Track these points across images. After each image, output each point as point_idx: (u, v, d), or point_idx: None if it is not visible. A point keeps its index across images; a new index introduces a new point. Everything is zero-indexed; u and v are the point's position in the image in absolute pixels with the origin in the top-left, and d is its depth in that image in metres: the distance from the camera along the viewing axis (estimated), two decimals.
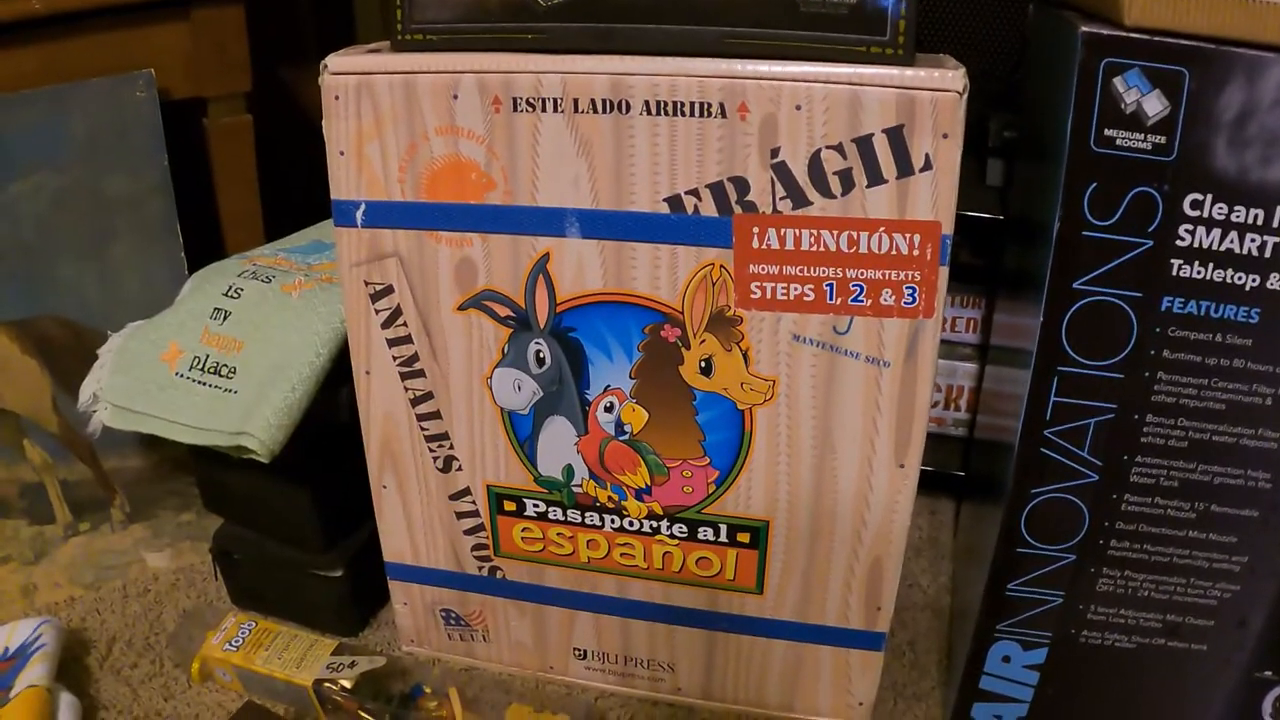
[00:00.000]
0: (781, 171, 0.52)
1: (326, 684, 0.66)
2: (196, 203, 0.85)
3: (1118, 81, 0.48)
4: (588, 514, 0.64)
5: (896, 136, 0.50)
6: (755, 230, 0.54)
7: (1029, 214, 0.62)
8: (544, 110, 0.54)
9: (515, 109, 0.54)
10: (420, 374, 0.62)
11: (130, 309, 0.77)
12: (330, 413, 0.68)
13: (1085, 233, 0.51)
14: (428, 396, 0.63)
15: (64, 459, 0.80)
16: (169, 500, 0.84)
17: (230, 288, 0.71)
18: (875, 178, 0.51)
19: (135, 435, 0.74)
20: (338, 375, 0.67)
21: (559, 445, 0.62)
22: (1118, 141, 0.49)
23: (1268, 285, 0.50)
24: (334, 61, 0.56)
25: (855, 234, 0.53)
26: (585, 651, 0.70)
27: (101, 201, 0.79)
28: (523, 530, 0.66)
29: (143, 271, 0.81)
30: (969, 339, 0.88)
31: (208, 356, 0.69)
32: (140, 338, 0.72)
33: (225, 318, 0.70)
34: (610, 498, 0.63)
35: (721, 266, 0.55)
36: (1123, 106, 0.48)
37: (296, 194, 0.81)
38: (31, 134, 0.76)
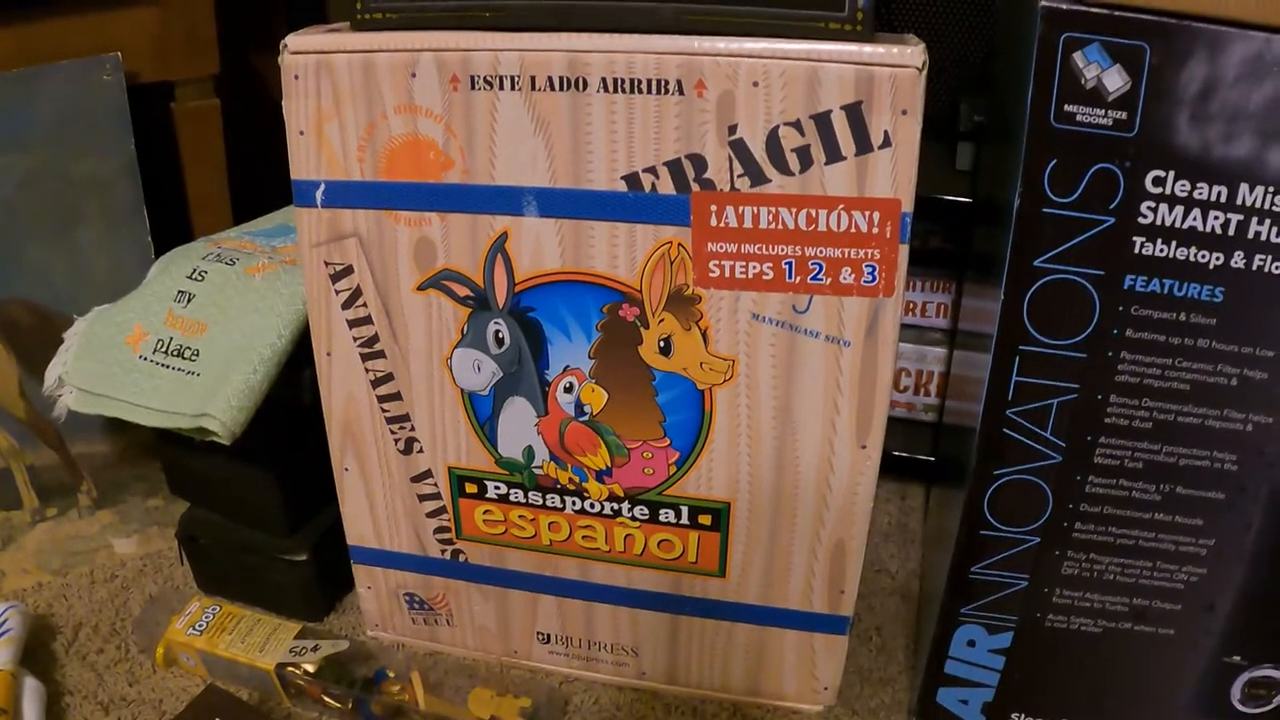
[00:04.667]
0: (739, 149, 0.52)
1: (289, 668, 0.66)
2: (164, 186, 0.84)
3: (1078, 56, 0.48)
4: (549, 496, 0.64)
5: (855, 113, 0.50)
6: (713, 208, 0.53)
7: (993, 194, 0.62)
8: (501, 88, 0.53)
9: (473, 87, 0.53)
10: (380, 355, 0.62)
11: (97, 292, 0.77)
12: (293, 395, 0.68)
13: (1045, 210, 0.50)
14: (388, 378, 0.62)
15: (30, 444, 0.80)
16: (136, 485, 0.83)
17: (195, 270, 0.71)
18: (834, 155, 0.51)
19: (102, 420, 0.74)
20: (300, 357, 0.67)
21: (519, 426, 0.61)
22: (1078, 117, 0.48)
23: (1232, 264, 0.50)
24: (293, 41, 0.56)
25: (814, 212, 0.52)
26: (549, 635, 0.70)
27: (68, 185, 0.78)
28: (484, 513, 0.65)
29: (110, 255, 0.80)
30: (939, 324, 0.87)
31: (171, 339, 0.69)
32: (105, 321, 0.71)
33: (189, 300, 0.69)
34: (571, 479, 0.62)
35: (680, 245, 0.54)
36: (1083, 82, 0.48)
37: (264, 177, 0.80)
38: None
